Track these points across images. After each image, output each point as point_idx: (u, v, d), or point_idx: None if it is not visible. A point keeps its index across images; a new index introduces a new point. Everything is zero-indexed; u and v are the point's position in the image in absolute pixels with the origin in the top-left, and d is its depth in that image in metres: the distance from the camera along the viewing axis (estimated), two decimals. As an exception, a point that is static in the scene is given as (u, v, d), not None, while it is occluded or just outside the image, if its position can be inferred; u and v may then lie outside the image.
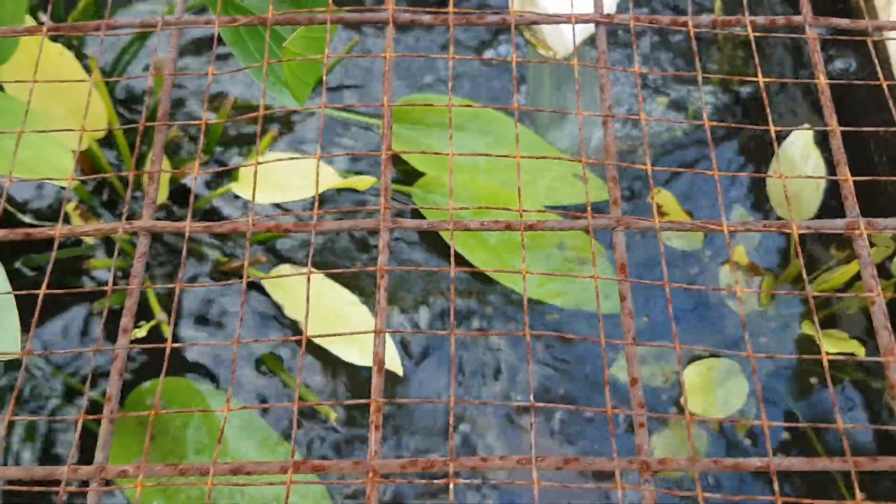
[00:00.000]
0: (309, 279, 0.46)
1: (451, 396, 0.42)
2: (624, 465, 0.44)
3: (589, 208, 0.49)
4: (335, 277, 0.82)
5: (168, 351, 0.45)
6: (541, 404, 0.41)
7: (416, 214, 0.94)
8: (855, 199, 0.52)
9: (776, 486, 0.41)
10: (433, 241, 0.94)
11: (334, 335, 0.44)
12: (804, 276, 0.48)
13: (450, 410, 0.42)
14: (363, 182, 0.79)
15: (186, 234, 0.49)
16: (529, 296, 0.88)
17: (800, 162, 0.91)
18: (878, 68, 0.55)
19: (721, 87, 1.07)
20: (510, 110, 1.04)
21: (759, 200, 1.00)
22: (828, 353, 0.45)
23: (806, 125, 0.96)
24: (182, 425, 0.76)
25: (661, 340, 0.89)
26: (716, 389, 0.83)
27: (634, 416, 0.46)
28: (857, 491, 0.43)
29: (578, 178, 0.94)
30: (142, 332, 0.73)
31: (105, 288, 0.45)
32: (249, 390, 0.87)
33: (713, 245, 0.97)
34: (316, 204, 0.47)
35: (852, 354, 0.86)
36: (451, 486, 0.40)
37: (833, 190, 0.94)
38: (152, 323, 0.78)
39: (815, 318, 0.45)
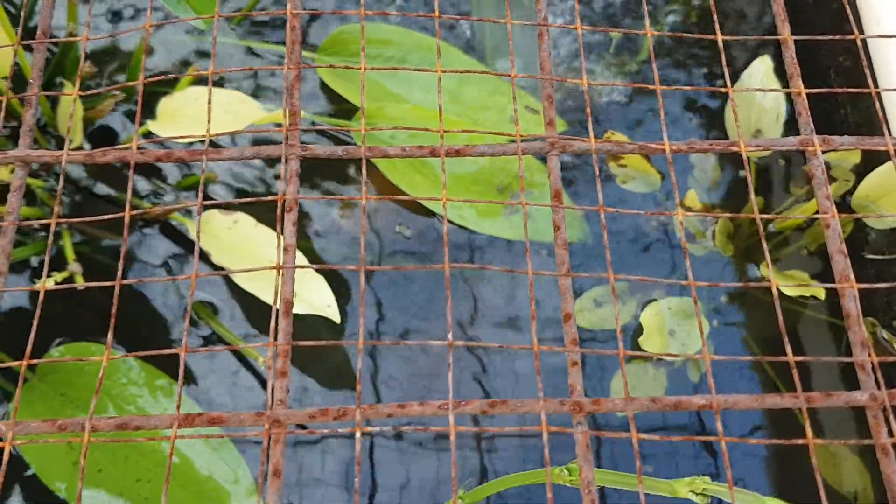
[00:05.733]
0: (200, 211, 0.40)
1: (360, 337, 0.38)
2: (555, 407, 0.40)
3: (518, 128, 0.44)
4: (266, 221, 0.76)
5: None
6: (459, 342, 0.36)
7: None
8: (809, 115, 0.47)
9: (720, 425, 0.37)
10: (379, 177, 0.89)
11: (235, 271, 0.39)
12: (752, 198, 0.43)
13: (359, 352, 0.37)
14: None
15: (63, 165, 0.44)
16: (479, 230, 0.84)
17: (759, 93, 0.87)
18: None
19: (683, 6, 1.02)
20: (459, 41, 0.98)
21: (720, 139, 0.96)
22: (779, 284, 0.41)
23: (766, 56, 0.92)
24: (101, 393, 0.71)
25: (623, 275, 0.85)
26: (673, 329, 0.79)
27: (567, 353, 0.42)
28: (808, 428, 0.39)
29: (530, 111, 0.89)
30: (49, 284, 0.67)
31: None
32: (174, 344, 0.81)
33: (671, 187, 0.93)
34: (208, 131, 0.42)
35: (804, 290, 0.82)
36: (359, 434, 0.35)
37: (794, 124, 0.90)
38: (64, 274, 0.72)
39: (764, 243, 0.41)
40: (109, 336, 0.39)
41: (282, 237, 0.42)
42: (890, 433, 0.40)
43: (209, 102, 0.42)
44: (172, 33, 0.95)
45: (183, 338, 0.36)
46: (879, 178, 0.81)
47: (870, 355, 0.41)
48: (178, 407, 0.36)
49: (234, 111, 0.78)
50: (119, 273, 0.40)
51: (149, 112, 0.85)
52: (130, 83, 0.46)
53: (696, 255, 0.87)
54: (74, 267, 0.73)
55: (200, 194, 0.39)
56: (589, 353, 0.81)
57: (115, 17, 0.97)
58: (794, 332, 0.86)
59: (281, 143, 0.45)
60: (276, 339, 0.38)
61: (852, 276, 0.42)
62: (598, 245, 0.88)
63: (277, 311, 0.39)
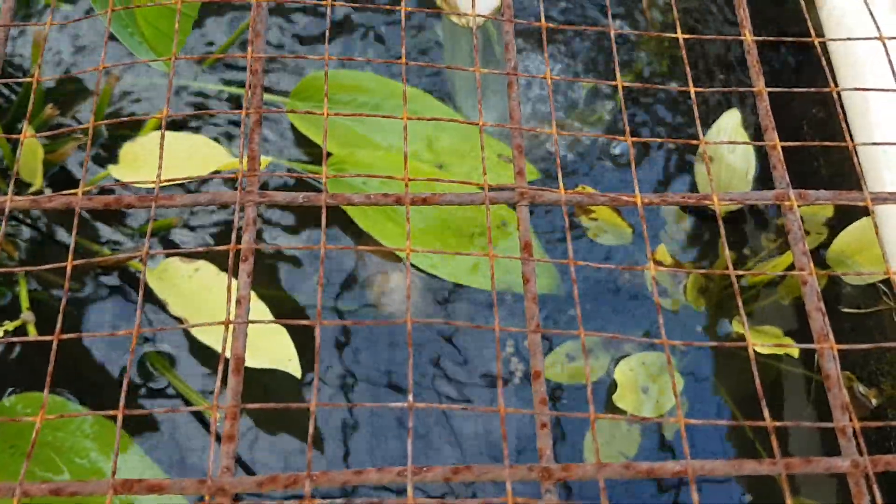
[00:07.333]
0: (145, 262, 0.38)
1: (313, 400, 0.35)
2: (523, 474, 0.38)
3: (486, 178, 0.42)
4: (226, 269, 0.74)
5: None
6: (420, 405, 0.34)
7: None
8: (784, 169, 0.46)
9: (695, 495, 0.35)
10: (349, 225, 0.87)
11: (182, 327, 0.37)
12: (726, 254, 0.42)
13: (310, 416, 0.35)
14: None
15: (7, 211, 0.41)
16: (455, 280, 0.82)
17: (727, 148, 0.86)
18: (810, 26, 0.50)
19: (651, 64, 1.02)
20: (441, 87, 0.97)
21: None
22: (755, 344, 0.40)
23: (734, 109, 0.92)
24: (50, 446, 0.68)
25: (595, 332, 0.83)
26: (647, 386, 0.78)
27: (536, 415, 0.39)
28: (788, 497, 0.37)
29: (503, 159, 0.88)
30: (-2, 333, 0.64)
31: None
32: (131, 395, 0.78)
33: (642, 241, 0.91)
34: (158, 177, 0.39)
35: (779, 350, 0.81)
36: (308, 506, 0.33)
37: (765, 179, 0.89)
38: (17, 323, 0.69)
39: (740, 301, 0.40)
40: (46, 392, 0.36)
41: (234, 289, 0.40)
42: (872, 501, 0.38)
43: (161, 147, 0.40)
44: (146, 74, 0.94)
45: (121, 400, 0.33)
46: (855, 233, 0.80)
47: (851, 420, 0.39)
48: (114, 473, 0.33)
49: (202, 156, 0.76)
50: (58, 327, 0.38)
51: (113, 156, 0.83)
52: (82, 126, 0.44)
53: (668, 309, 0.85)
54: (27, 316, 0.70)
55: (147, 244, 0.37)
56: (560, 411, 0.79)
57: (83, 55, 0.95)
58: (770, 386, 0.84)
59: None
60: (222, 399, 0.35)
61: (831, 336, 0.41)
62: (570, 296, 0.86)
63: (226, 369, 0.37)
